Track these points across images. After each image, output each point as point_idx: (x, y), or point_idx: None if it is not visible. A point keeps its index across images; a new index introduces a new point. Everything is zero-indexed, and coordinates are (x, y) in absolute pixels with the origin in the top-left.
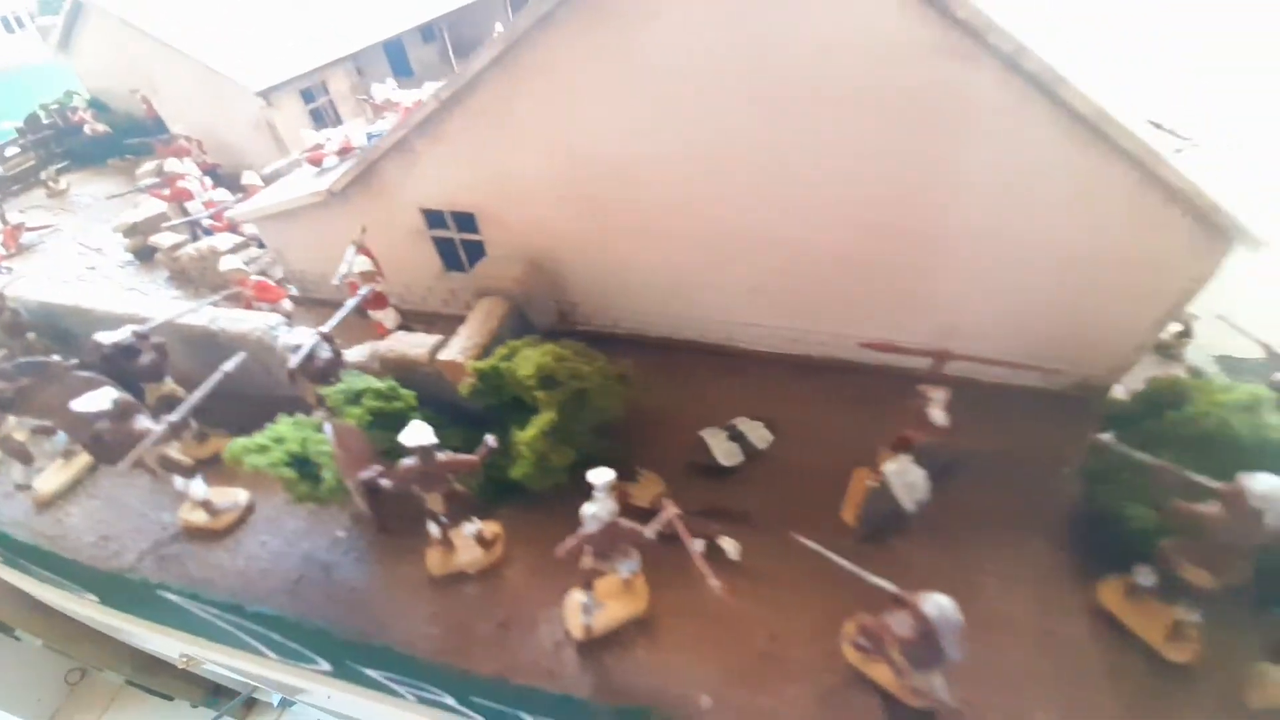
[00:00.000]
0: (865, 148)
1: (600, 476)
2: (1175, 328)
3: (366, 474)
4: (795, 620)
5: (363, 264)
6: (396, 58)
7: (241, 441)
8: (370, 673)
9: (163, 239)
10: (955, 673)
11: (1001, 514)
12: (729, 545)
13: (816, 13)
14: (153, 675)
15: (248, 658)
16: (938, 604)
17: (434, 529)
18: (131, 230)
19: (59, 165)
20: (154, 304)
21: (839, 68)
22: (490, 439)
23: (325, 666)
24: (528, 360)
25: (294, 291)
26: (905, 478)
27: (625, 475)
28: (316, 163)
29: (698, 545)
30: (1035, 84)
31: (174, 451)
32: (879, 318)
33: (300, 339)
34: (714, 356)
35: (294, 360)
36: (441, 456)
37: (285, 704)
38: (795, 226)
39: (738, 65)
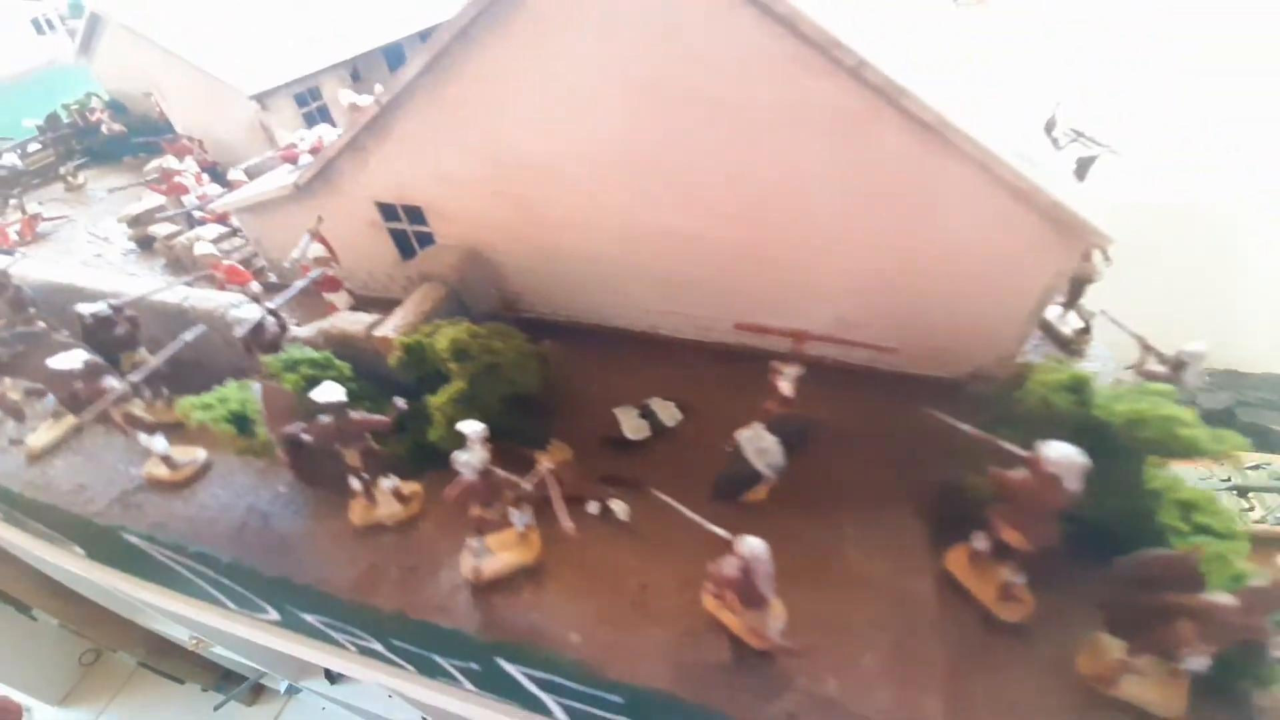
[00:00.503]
0: (744, 151)
1: (470, 427)
2: (1077, 324)
3: (289, 429)
4: (668, 573)
5: (317, 250)
6: (396, 64)
7: (190, 399)
8: (309, 619)
9: (160, 229)
10: (801, 622)
11: (873, 486)
12: (618, 507)
13: (691, 28)
14: (165, 658)
15: (210, 610)
16: (749, 544)
17: (355, 483)
18: (134, 221)
19: (78, 161)
20: (135, 283)
21: (714, 78)
22: (399, 401)
23: (273, 615)
24: (444, 335)
25: (274, 278)
26: (757, 443)
27: (538, 445)
28: (291, 160)
29: (593, 507)
30: (880, 94)
31: (138, 410)
32: (779, 309)
33: (248, 314)
34: (640, 343)
35: (239, 331)
36: (355, 415)
37: (292, 690)
38: (690, 221)
39: (627, 75)
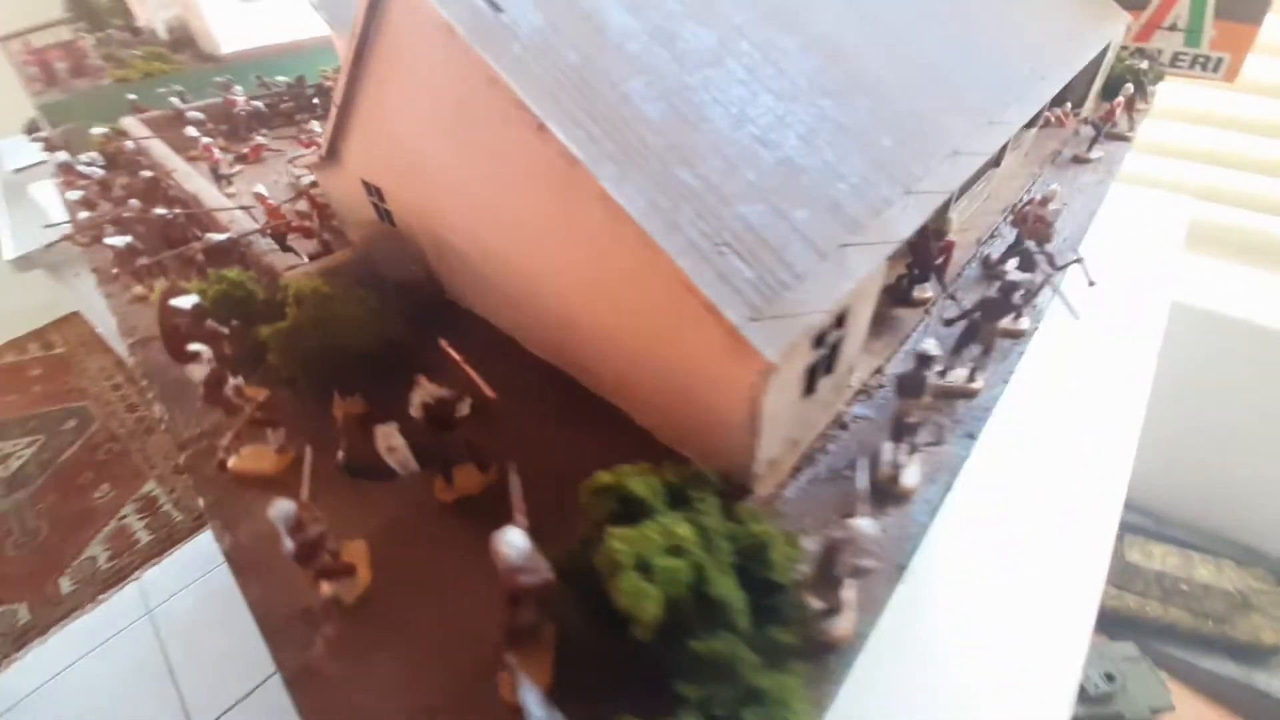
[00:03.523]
0: (502, 193)
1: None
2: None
3: (173, 319)
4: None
5: (303, 206)
6: None
7: None
8: None
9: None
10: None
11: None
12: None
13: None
14: None
15: None
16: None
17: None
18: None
19: (318, 114)
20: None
21: (470, 122)
22: (234, 322)
23: None
24: (297, 282)
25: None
26: (388, 440)
27: (348, 395)
28: None
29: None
30: (565, 158)
31: None
32: (570, 354)
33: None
34: (500, 344)
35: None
36: (209, 323)
37: None
38: (496, 243)
39: (433, 103)
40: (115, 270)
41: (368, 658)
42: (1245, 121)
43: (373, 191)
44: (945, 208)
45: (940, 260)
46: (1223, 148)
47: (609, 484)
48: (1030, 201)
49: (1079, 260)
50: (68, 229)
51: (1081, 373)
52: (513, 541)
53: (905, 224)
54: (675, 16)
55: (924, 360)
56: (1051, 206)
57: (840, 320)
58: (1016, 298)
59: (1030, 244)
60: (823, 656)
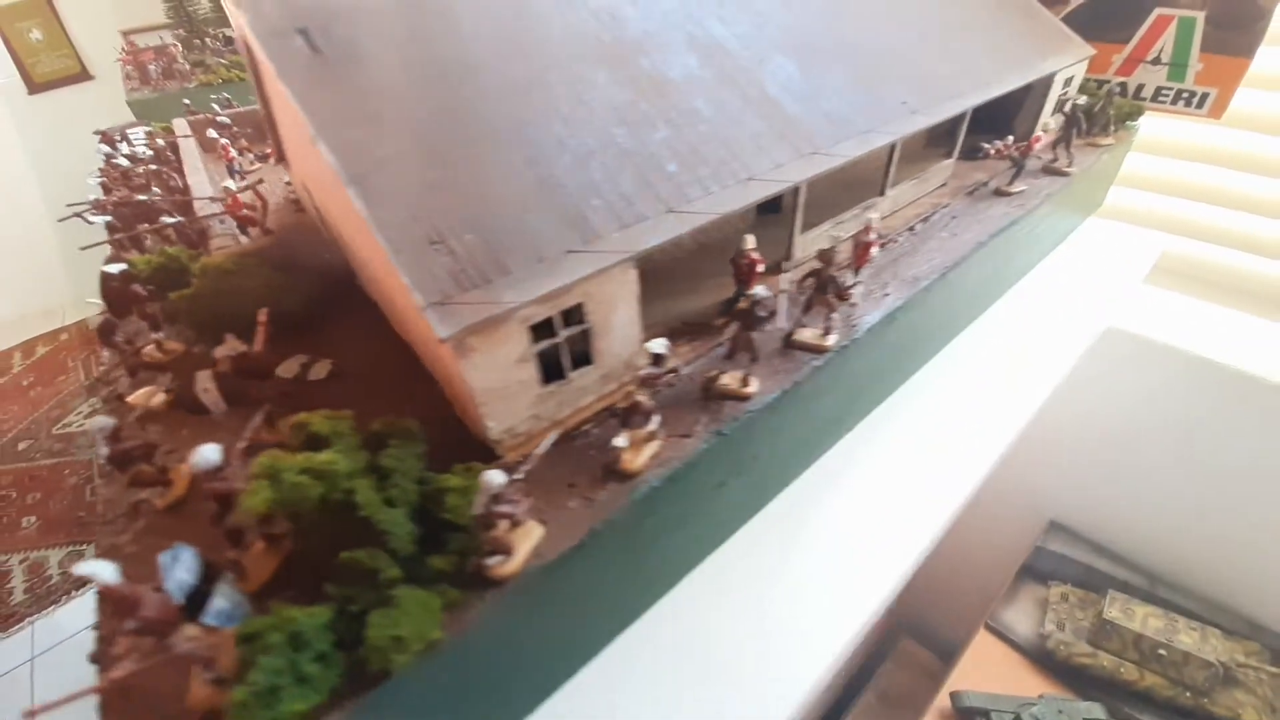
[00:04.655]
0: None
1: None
2: None
3: (110, 280)
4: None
5: (248, 197)
6: None
7: None
8: None
9: None
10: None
11: None
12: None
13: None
14: None
15: None
16: (94, 421)
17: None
18: None
19: None
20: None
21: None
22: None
23: None
24: (205, 259)
25: None
26: (203, 383)
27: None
28: None
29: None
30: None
31: None
32: (406, 331)
33: (175, 218)
34: (380, 322)
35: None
36: (134, 286)
37: None
38: (348, 235)
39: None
40: (106, 243)
41: (156, 544)
42: (1229, 156)
43: (305, 190)
44: (796, 229)
45: (742, 276)
46: (1204, 182)
47: (302, 421)
48: (860, 231)
49: (857, 284)
50: (79, 209)
51: (977, 380)
52: (203, 453)
53: (650, 239)
54: (489, 56)
55: (654, 358)
56: (871, 236)
57: (578, 318)
58: (759, 310)
59: (825, 269)
60: (480, 589)
